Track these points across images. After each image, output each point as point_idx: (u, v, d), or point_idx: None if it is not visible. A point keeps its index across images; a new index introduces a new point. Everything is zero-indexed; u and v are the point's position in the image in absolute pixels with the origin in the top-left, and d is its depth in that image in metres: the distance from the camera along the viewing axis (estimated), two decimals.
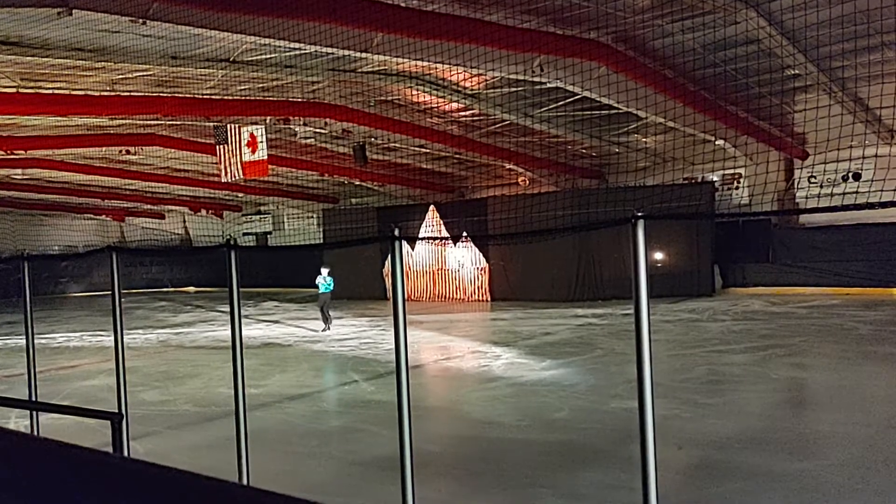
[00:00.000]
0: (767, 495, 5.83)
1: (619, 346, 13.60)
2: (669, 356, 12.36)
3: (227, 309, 5.65)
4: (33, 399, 6.99)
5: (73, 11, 9.00)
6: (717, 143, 20.44)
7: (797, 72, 16.44)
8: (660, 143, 23.27)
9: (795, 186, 22.39)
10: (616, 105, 17.03)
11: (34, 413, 6.97)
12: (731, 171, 23.98)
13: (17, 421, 8.77)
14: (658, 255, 22.04)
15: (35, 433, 6.94)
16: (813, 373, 11.15)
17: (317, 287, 18.11)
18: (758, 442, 7.33)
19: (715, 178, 24.16)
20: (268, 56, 13.65)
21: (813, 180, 20.93)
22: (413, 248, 26.62)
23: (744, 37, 14.30)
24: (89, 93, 14.45)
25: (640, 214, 3.66)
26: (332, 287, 18.15)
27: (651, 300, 3.88)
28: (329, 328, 17.93)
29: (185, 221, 38.88)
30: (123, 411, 5.56)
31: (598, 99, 16.56)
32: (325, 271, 17.91)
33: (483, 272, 25.50)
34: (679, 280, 22.10)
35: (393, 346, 4.92)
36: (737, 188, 24.23)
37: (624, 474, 6.19)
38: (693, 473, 6.56)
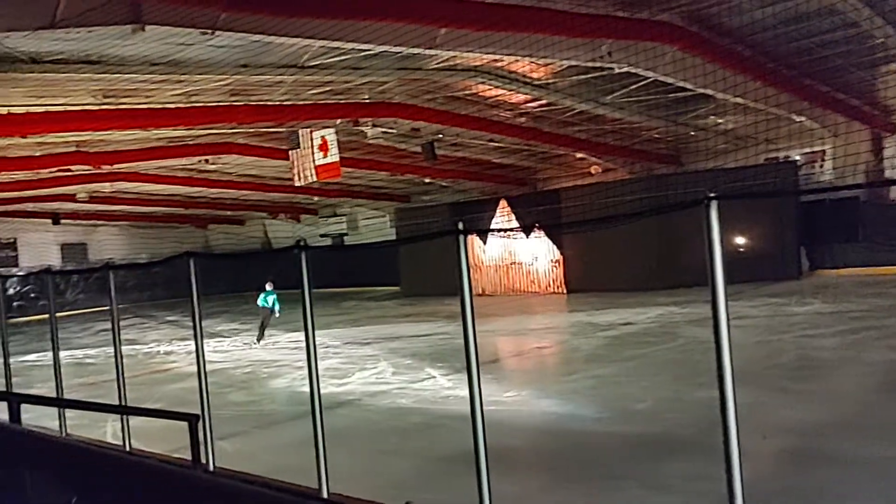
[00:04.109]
0: (862, 484, 5.56)
1: (702, 335, 13.19)
2: (756, 342, 11.95)
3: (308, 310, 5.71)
4: (123, 404, 7.29)
5: (146, 27, 9.34)
6: (797, 120, 19.64)
7: (882, 41, 15.63)
8: (737, 124, 22.51)
9: (885, 161, 21.30)
10: (690, 87, 16.57)
11: (124, 416, 7.26)
12: (814, 149, 23.00)
13: (114, 424, 9.17)
14: (740, 239, 21.35)
15: (126, 436, 7.23)
16: None
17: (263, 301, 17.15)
18: (852, 428, 7.01)
19: (797, 157, 23.21)
20: (335, 59, 13.83)
21: None
22: (486, 243, 26.55)
23: (824, 9, 13.67)
24: (167, 106, 14.95)
25: (712, 195, 3.52)
26: (277, 306, 17.03)
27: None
28: (258, 344, 16.96)
29: (264, 226, 39.93)
30: (207, 413, 5.73)
31: (670, 82, 16.14)
32: (269, 286, 17.17)
33: (557, 264, 25.24)
34: (763, 263, 21.33)
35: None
36: (821, 166, 23.22)
37: (710, 464, 5.98)
38: (784, 461, 6.32)
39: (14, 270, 32.38)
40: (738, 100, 17.56)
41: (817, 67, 17.25)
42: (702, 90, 16.86)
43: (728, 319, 3.72)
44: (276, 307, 17.18)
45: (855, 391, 8.66)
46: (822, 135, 21.48)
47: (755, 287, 19.72)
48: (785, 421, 7.44)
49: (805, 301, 16.93)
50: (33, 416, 7.44)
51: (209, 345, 15.38)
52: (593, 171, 27.12)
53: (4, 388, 8.56)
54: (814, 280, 21.51)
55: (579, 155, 25.53)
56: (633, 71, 15.09)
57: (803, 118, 19.47)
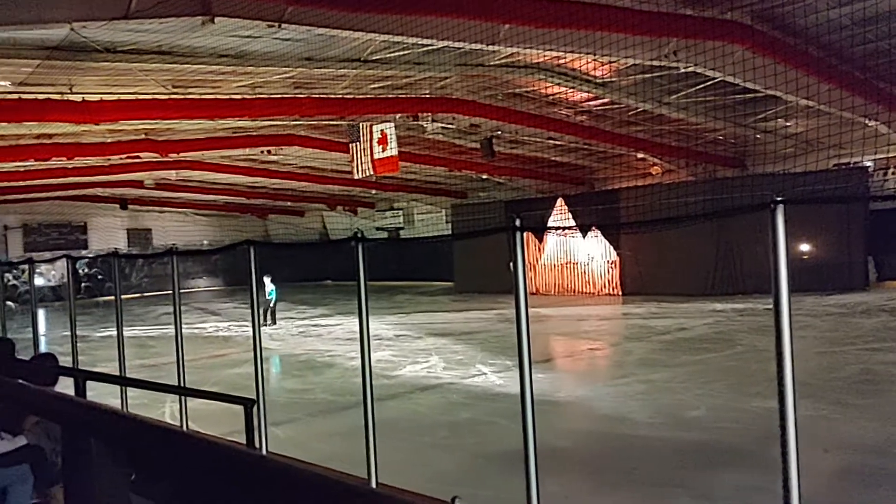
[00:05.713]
0: None
1: (760, 343, 12.88)
2: (818, 353, 11.60)
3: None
4: (181, 385, 7.48)
5: (216, 19, 9.56)
6: (869, 125, 18.95)
7: None
8: (805, 128, 21.85)
9: None
10: (757, 89, 16.13)
11: (182, 398, 7.46)
12: (888, 156, 22.17)
13: (171, 405, 9.43)
14: (805, 247, 20.76)
15: (184, 415, 7.43)
16: None
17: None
18: None
19: (868, 164, 22.41)
20: (397, 54, 13.91)
21: None
22: (541, 241, 26.37)
23: None
24: (232, 96, 15.27)
25: (779, 199, 3.43)
26: (273, 295, 19.91)
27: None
28: (271, 325, 19.42)
29: (323, 218, 40.48)
30: (261, 399, 5.85)
31: (737, 83, 15.75)
32: (267, 280, 19.45)
33: (614, 265, 24.92)
34: (829, 273, 20.70)
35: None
36: (893, 173, 22.38)
37: (763, 476, 5.86)
38: (842, 478, 6.12)
39: (83, 252, 33.55)
40: (807, 102, 17.03)
41: (893, 70, 16.62)
42: (769, 92, 16.41)
43: (791, 329, 3.62)
44: (271, 295, 19.96)
45: None
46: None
47: (819, 296, 19.15)
48: (845, 436, 7.22)
49: (871, 313, 16.36)
50: (97, 394, 7.71)
51: (266, 332, 15.78)
52: (654, 172, 26.69)
53: (72, 365, 8.88)
54: (881, 291, 20.77)
55: (640, 155, 25.13)
56: (699, 71, 14.77)
57: (876, 123, 18.78)
